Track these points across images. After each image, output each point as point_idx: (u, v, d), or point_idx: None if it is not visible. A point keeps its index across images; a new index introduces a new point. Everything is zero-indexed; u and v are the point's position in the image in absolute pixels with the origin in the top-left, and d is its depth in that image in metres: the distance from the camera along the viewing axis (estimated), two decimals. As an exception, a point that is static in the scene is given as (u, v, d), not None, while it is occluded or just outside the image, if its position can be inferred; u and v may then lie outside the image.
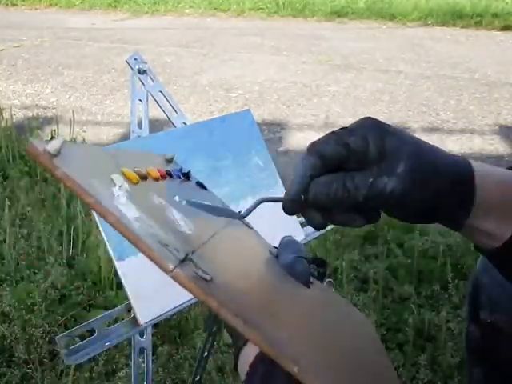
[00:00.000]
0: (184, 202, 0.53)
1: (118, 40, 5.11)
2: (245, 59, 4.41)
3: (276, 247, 0.67)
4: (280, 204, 0.50)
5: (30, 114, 3.20)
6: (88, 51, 4.72)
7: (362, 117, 0.44)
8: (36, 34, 5.40)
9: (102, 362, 1.28)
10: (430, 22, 5.75)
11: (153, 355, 1.21)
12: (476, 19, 5.64)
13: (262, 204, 0.53)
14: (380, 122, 0.43)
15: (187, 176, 0.69)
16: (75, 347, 0.71)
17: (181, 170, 0.67)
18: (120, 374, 1.25)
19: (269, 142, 2.49)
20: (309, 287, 0.62)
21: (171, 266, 0.38)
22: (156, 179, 0.58)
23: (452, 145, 2.72)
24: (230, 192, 0.89)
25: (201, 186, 0.71)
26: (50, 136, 2.62)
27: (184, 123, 0.96)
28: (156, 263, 0.38)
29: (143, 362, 0.89)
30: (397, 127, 0.44)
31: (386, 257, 1.67)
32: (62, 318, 1.40)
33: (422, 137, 0.45)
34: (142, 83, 0.93)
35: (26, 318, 1.38)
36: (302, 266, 0.62)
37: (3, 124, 2.63)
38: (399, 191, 0.41)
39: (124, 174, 0.49)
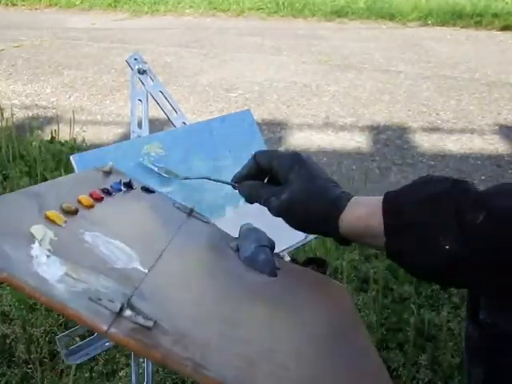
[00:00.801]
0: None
1: (118, 40, 5.12)
2: (245, 59, 4.41)
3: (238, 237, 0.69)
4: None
5: (30, 114, 3.20)
6: (88, 51, 4.72)
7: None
8: (36, 34, 5.40)
9: (102, 362, 1.28)
10: (430, 22, 5.75)
11: (153, 355, 1.21)
12: (476, 19, 5.64)
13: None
14: (304, 166, 0.64)
15: (129, 185, 0.66)
16: (75, 347, 0.71)
17: (120, 181, 0.65)
18: (120, 373, 1.25)
19: (269, 142, 2.49)
20: (275, 276, 0.62)
21: (105, 327, 0.35)
22: (90, 206, 0.54)
23: (452, 145, 2.72)
24: (230, 192, 0.89)
25: (146, 190, 0.69)
26: (50, 136, 2.63)
27: (184, 123, 0.97)
28: (88, 327, 0.35)
29: (143, 361, 0.89)
30: (311, 167, 0.64)
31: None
32: (62, 317, 1.40)
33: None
34: (142, 83, 0.93)
35: (27, 317, 1.38)
36: (262, 257, 0.63)
37: (3, 124, 2.63)
38: (277, 207, 0.64)
39: (48, 218, 0.46)
